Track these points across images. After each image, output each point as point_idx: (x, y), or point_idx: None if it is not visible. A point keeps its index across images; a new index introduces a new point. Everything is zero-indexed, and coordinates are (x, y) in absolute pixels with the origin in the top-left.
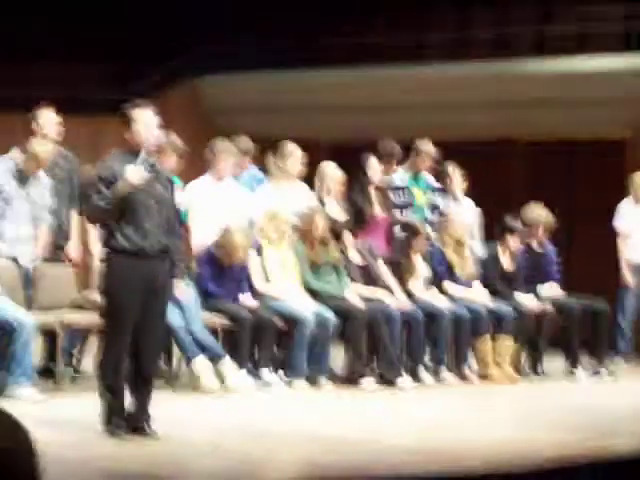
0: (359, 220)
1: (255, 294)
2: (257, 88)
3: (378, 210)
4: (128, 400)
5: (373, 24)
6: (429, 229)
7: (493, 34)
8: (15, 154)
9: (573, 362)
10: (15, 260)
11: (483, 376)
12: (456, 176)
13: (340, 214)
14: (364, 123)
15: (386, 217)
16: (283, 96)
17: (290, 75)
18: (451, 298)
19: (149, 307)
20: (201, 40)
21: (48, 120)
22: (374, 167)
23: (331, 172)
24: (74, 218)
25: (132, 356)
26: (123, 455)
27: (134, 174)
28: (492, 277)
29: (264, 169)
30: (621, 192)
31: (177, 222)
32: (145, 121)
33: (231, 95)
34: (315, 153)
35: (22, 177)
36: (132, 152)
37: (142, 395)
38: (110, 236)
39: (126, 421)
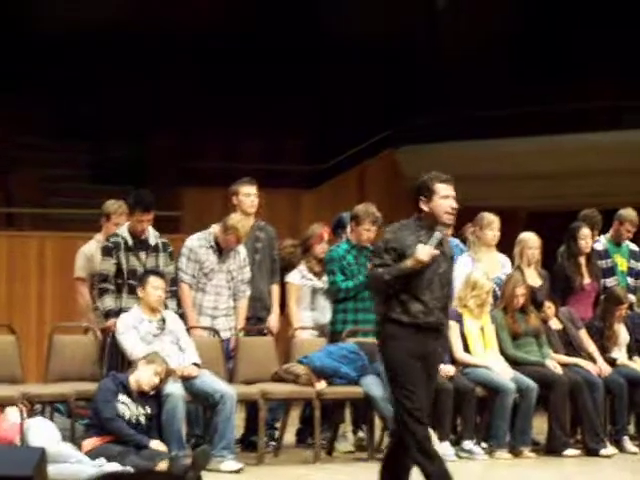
0: (566, 288)
1: (455, 363)
2: (455, 158)
3: (587, 278)
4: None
5: (570, 91)
6: (631, 296)
7: None
8: (215, 229)
9: None
10: (215, 333)
11: None
12: None
13: (539, 282)
14: (562, 190)
15: (595, 285)
16: (481, 165)
17: (488, 144)
18: None
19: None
20: (400, 112)
21: (247, 194)
22: (585, 236)
23: (531, 242)
24: (274, 290)
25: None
26: None
27: (425, 253)
28: None
29: (463, 239)
30: None
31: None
32: (445, 195)
33: (429, 165)
34: (513, 221)
35: (222, 251)
36: (425, 224)
37: None
38: (388, 307)
39: None
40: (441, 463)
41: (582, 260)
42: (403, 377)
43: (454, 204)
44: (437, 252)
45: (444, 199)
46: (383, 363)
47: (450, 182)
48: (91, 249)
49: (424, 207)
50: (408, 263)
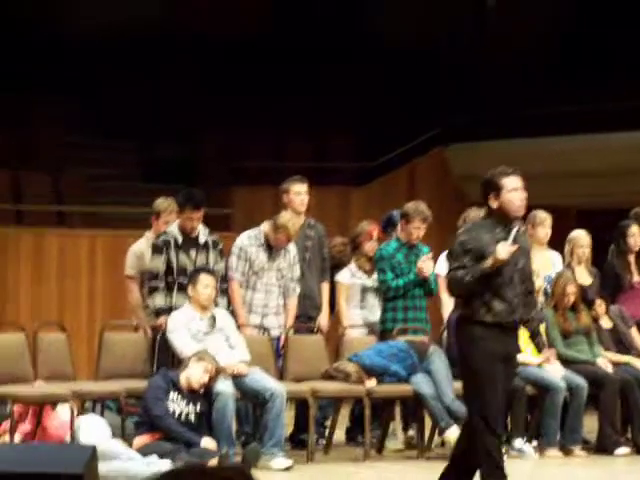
0: (616, 286)
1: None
2: (505, 156)
3: (637, 276)
4: None
5: (620, 90)
6: None
7: None
8: (265, 227)
9: None
10: (265, 330)
11: None
12: None
13: (589, 280)
14: (612, 189)
15: None
16: (531, 163)
17: (537, 142)
18: None
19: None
20: (450, 110)
21: (298, 193)
22: (635, 234)
23: (581, 240)
24: (324, 289)
25: None
26: None
27: (505, 251)
28: None
29: None
30: None
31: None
32: (513, 187)
33: (479, 163)
34: (566, 219)
35: (272, 249)
36: (499, 221)
37: None
38: (472, 308)
39: None
40: (503, 476)
41: (631, 258)
42: (484, 385)
43: (523, 195)
44: (516, 247)
45: (513, 192)
46: (461, 365)
47: (516, 174)
48: (141, 247)
49: (494, 204)
50: (488, 262)
